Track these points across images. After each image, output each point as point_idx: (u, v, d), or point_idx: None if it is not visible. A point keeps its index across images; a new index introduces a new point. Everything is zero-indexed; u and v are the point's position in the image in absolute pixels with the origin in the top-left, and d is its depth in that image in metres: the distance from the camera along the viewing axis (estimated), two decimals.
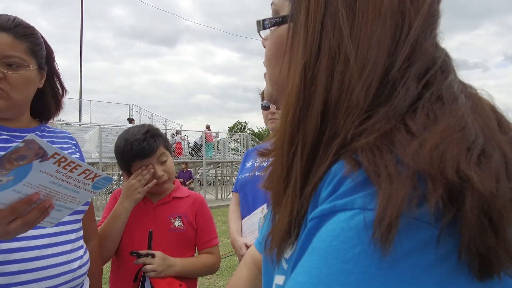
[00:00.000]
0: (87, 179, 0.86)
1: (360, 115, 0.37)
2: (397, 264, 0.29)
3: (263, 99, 1.95)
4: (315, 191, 0.38)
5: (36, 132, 1.13)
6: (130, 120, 14.23)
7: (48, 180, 0.81)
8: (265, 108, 1.91)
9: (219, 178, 15.95)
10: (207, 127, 15.49)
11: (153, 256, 1.29)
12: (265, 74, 0.55)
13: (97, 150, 10.43)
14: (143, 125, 1.47)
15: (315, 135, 0.39)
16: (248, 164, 2.02)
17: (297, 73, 0.40)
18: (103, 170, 10.75)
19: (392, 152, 0.32)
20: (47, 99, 1.17)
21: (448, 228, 0.29)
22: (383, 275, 0.29)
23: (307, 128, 0.39)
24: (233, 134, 15.37)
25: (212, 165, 15.32)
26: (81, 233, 1.17)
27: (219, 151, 16.11)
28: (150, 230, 1.34)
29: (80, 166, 0.83)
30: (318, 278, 0.31)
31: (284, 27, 0.45)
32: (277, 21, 0.47)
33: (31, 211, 0.81)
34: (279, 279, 0.45)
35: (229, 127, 57.36)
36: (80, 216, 1.16)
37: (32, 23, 1.10)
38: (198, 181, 14.82)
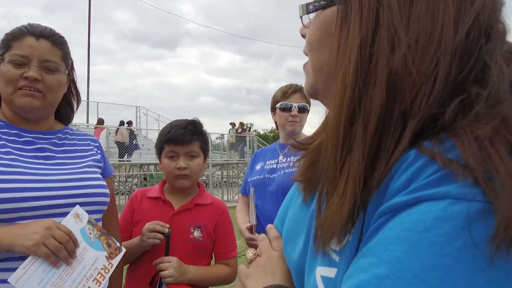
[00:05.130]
0: None
1: (439, 92, 0.35)
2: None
3: (277, 101, 1.89)
4: (385, 177, 0.35)
5: (59, 134, 1.19)
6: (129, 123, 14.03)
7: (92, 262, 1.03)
8: (286, 109, 1.85)
9: (225, 179, 15.94)
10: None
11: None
12: (304, 65, 0.53)
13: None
14: (192, 119, 1.49)
15: (381, 113, 0.36)
16: (258, 167, 1.99)
17: (353, 50, 0.38)
18: None
19: (508, 144, 0.30)
20: (67, 103, 1.25)
21: None
22: (493, 272, 0.27)
23: (370, 106, 0.36)
24: (237, 135, 15.33)
25: (218, 167, 15.34)
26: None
27: (225, 152, 16.11)
28: (168, 232, 1.32)
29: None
30: (409, 272, 0.29)
31: (331, 9, 0.45)
32: (323, 4, 0.46)
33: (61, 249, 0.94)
34: (327, 271, 0.42)
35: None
36: (97, 216, 1.16)
37: None
38: (204, 182, 14.84)
